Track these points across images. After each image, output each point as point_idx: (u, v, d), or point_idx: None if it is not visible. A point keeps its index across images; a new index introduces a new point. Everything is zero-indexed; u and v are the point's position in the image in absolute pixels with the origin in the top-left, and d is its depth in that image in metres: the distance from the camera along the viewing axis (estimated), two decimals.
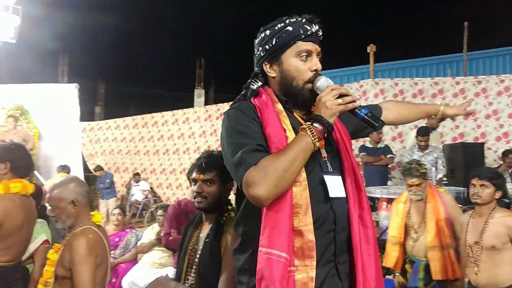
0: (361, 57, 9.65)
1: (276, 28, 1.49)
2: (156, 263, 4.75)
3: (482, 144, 6.73)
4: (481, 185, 2.87)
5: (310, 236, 1.35)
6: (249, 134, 1.40)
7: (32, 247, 3.09)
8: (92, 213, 2.46)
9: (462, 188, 5.37)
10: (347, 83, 9.51)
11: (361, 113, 1.42)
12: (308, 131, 1.35)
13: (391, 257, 3.64)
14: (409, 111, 1.94)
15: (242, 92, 1.57)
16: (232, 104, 1.56)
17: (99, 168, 10.59)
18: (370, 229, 1.49)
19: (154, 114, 11.52)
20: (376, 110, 1.75)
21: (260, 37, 1.54)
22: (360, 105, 1.43)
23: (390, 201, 5.13)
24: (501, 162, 6.61)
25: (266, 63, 1.53)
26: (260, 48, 1.53)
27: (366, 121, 1.43)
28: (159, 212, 5.00)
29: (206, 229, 2.04)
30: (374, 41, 8.34)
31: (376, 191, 5.16)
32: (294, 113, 1.52)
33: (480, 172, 2.93)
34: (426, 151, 5.97)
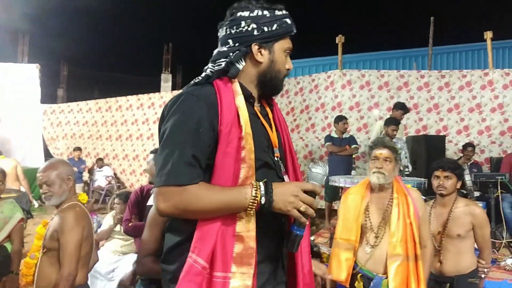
0: (329, 48, 9.69)
1: (277, 14, 1.43)
2: (118, 251, 4.65)
3: (444, 136, 6.90)
4: (445, 177, 2.91)
5: (252, 243, 1.28)
6: (194, 138, 1.27)
7: (9, 226, 3.35)
8: (80, 194, 2.68)
9: (423, 179, 5.51)
10: (315, 73, 9.54)
11: (299, 232, 1.34)
12: (253, 198, 1.26)
13: (343, 267, 2.66)
14: None
15: (217, 67, 1.41)
16: (194, 83, 1.43)
17: (78, 149, 10.43)
18: (306, 228, 1.45)
19: (118, 98, 11.25)
20: None
21: (255, 14, 1.40)
22: (304, 223, 1.33)
23: None
24: (461, 155, 6.81)
25: (257, 44, 1.41)
26: (254, 26, 1.39)
27: (294, 239, 1.35)
28: (116, 200, 4.87)
29: None
30: (343, 32, 8.39)
31: (341, 181, 5.21)
32: (255, 107, 1.47)
33: (443, 164, 2.97)
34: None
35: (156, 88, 15.60)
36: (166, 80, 16.70)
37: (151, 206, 3.18)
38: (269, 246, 1.39)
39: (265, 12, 1.41)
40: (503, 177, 4.76)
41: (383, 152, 2.67)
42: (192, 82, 1.45)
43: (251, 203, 1.25)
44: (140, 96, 10.93)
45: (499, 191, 4.74)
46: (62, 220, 2.39)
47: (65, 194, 2.52)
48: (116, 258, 4.56)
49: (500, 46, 13.11)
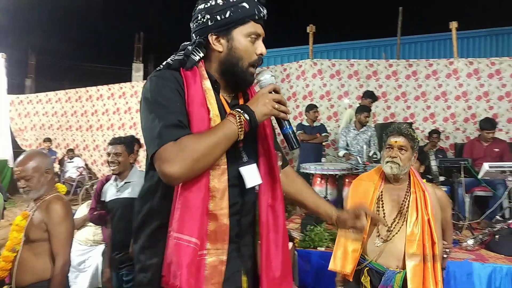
0: (300, 38, 9.75)
1: (231, 0, 1.39)
2: (90, 240, 4.63)
3: (411, 124, 7.11)
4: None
5: (225, 220, 1.33)
6: (171, 107, 1.31)
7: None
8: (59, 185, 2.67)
9: None
10: (287, 62, 9.61)
11: (287, 129, 1.43)
12: (237, 120, 1.31)
13: (350, 258, 2.46)
14: (305, 199, 1.72)
15: (177, 57, 1.43)
16: (158, 69, 1.45)
17: (48, 139, 10.21)
18: (280, 218, 1.49)
19: (89, 88, 11.05)
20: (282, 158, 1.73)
21: (209, 4, 1.41)
22: (286, 118, 1.42)
23: (323, 177, 5.32)
24: (427, 141, 7.03)
25: (213, 34, 1.41)
26: (208, 16, 1.39)
27: (287, 137, 1.43)
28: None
29: None
30: (314, 22, 8.46)
31: (311, 168, 5.33)
32: (221, 95, 1.46)
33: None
34: (362, 130, 6.22)
35: (128, 77, 15.39)
36: (137, 69, 16.47)
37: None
38: (240, 225, 1.44)
39: (219, 1, 1.40)
40: (466, 162, 4.96)
41: (398, 140, 2.43)
42: (155, 70, 1.48)
43: (239, 125, 1.30)
44: (111, 86, 10.76)
45: (462, 175, 4.93)
46: (51, 212, 2.41)
47: (44, 187, 2.50)
48: (88, 248, 4.54)
49: (464, 36, 13.48)
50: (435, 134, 6.95)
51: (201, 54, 1.43)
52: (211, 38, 1.42)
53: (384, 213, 2.44)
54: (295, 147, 1.44)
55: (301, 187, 1.74)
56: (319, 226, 4.25)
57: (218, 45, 1.42)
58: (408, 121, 7.56)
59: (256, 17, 1.42)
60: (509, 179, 4.33)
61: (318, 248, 4.09)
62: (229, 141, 1.31)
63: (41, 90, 13.03)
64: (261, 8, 1.43)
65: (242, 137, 1.32)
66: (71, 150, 10.73)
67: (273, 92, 1.38)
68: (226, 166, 1.35)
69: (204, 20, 1.41)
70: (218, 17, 1.39)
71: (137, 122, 10.13)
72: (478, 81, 7.53)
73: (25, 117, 11.86)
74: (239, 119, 1.31)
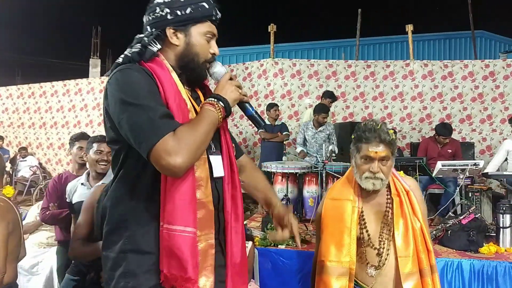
0: (262, 37, 9.78)
1: None
2: (44, 243, 4.46)
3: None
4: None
5: (211, 206, 1.39)
6: (156, 98, 1.31)
7: None
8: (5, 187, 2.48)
9: (349, 164, 5.79)
10: (249, 61, 9.62)
11: (251, 110, 1.54)
12: (216, 107, 1.38)
13: None
14: (257, 185, 1.80)
15: (134, 50, 1.41)
16: (117, 65, 1.42)
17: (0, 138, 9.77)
18: (239, 208, 1.55)
19: (43, 84, 10.64)
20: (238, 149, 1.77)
21: None
22: (248, 101, 1.54)
23: (284, 175, 5.35)
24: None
25: (171, 28, 1.43)
26: (168, 10, 1.42)
27: (253, 118, 1.55)
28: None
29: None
30: (275, 21, 8.49)
31: (272, 166, 5.34)
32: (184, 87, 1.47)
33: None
34: (320, 128, 6.30)
35: (85, 73, 14.94)
36: (94, 65, 16.02)
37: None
38: (218, 220, 1.48)
39: None
40: (421, 161, 5.12)
41: (379, 150, 1.95)
42: (113, 64, 1.45)
43: (219, 112, 1.39)
44: (66, 82, 10.40)
45: (417, 173, 5.09)
46: None
47: None
48: (41, 251, 4.38)
49: (420, 39, 13.98)
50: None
51: (159, 46, 1.45)
52: (169, 32, 1.44)
53: (368, 234, 1.99)
54: (262, 124, 1.56)
55: (254, 176, 1.81)
56: None
57: (175, 39, 1.45)
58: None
59: (213, 18, 1.48)
60: (460, 177, 4.49)
61: (279, 246, 4.10)
62: (215, 128, 1.39)
63: None
64: (217, 11, 1.50)
65: (221, 123, 1.41)
66: (24, 149, 10.29)
67: (232, 80, 1.47)
68: (206, 156, 1.40)
69: (163, 13, 1.43)
70: (178, 12, 1.42)
71: (93, 119, 9.85)
72: (432, 83, 7.82)
73: None
74: (217, 107, 1.38)
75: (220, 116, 1.39)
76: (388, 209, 1.98)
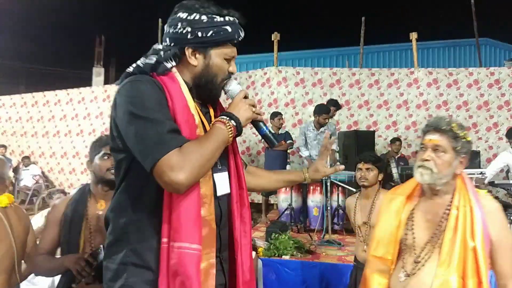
0: (265, 45, 9.76)
1: (215, 20, 1.40)
2: None
3: (373, 132, 7.21)
4: (367, 169, 3.03)
5: (213, 224, 1.36)
6: (165, 113, 1.29)
7: None
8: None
9: (354, 172, 5.72)
10: (252, 69, 9.58)
11: (265, 129, 1.55)
12: (227, 125, 1.37)
13: None
14: (268, 180, 1.86)
15: (148, 62, 1.40)
16: (127, 75, 1.41)
17: (2, 146, 9.75)
18: (247, 225, 1.53)
19: (46, 93, 10.66)
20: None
21: (192, 17, 1.39)
22: (262, 120, 1.54)
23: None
24: (389, 149, 7.15)
25: (190, 48, 1.41)
26: (189, 29, 1.38)
27: (267, 137, 1.56)
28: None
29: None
30: (279, 30, 8.48)
31: None
32: (194, 102, 1.46)
33: (365, 157, 3.09)
34: (321, 129, 6.20)
35: (88, 82, 14.97)
36: (98, 74, 16.04)
37: None
38: (220, 238, 1.44)
39: (203, 17, 1.39)
40: None
41: (433, 138, 1.80)
42: (124, 73, 1.43)
43: (230, 130, 1.37)
44: (70, 90, 10.41)
45: None
46: None
47: None
48: None
49: (424, 47, 13.94)
50: (397, 141, 7.09)
51: (174, 63, 1.43)
52: (188, 51, 1.42)
53: (414, 238, 1.82)
54: (276, 144, 1.57)
55: (266, 174, 1.89)
56: (284, 234, 4.20)
57: (194, 59, 1.43)
58: (371, 129, 7.67)
59: (235, 41, 1.46)
60: None
61: (283, 257, 4.05)
62: (223, 146, 1.37)
63: None
64: (240, 32, 1.47)
65: (230, 141, 1.40)
66: (27, 158, 10.28)
67: (246, 98, 1.47)
68: (211, 173, 1.38)
69: (184, 31, 1.39)
70: (200, 34, 1.39)
71: (96, 128, 9.83)
72: (437, 91, 7.77)
73: None
74: (228, 125, 1.37)
75: (230, 135, 1.37)
76: (443, 219, 1.78)
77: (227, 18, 1.42)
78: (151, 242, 1.32)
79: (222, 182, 1.46)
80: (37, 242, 2.29)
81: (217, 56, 1.44)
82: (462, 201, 1.76)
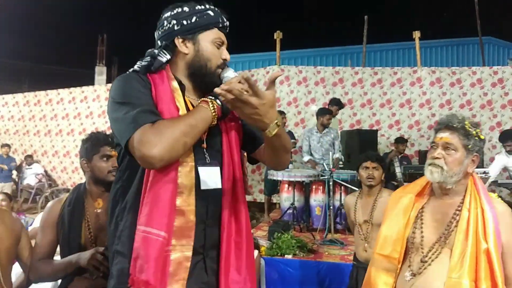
0: (268, 44, 9.75)
1: (197, 8, 1.48)
2: None
3: (376, 131, 7.19)
4: (374, 167, 3.02)
5: (192, 216, 1.35)
6: (142, 98, 1.34)
7: None
8: None
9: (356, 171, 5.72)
10: (254, 68, 9.58)
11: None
12: (210, 104, 1.37)
13: None
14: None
15: (144, 63, 1.46)
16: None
17: (6, 145, 9.78)
18: (243, 222, 1.48)
19: (49, 91, 10.68)
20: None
21: (175, 12, 1.47)
22: None
23: (290, 183, 5.28)
24: (393, 148, 7.13)
25: (179, 37, 1.46)
26: (174, 22, 1.46)
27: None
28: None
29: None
30: (281, 28, 8.46)
31: (279, 174, 5.28)
32: (186, 97, 1.47)
33: (371, 156, 3.08)
34: (324, 131, 6.19)
35: (91, 81, 14.98)
36: (100, 72, 16.05)
37: None
38: (205, 236, 1.42)
39: (185, 8, 1.47)
40: None
41: (444, 136, 1.77)
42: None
43: (213, 109, 1.37)
44: (72, 89, 10.42)
45: None
46: None
47: None
48: None
49: (427, 45, 13.89)
50: (401, 141, 7.06)
51: (168, 56, 1.47)
52: (178, 41, 1.47)
53: (422, 237, 1.78)
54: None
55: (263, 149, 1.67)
56: (286, 234, 4.20)
57: (185, 47, 1.47)
58: (373, 128, 7.65)
59: (220, 25, 1.50)
60: None
61: (286, 256, 4.05)
62: (205, 123, 1.35)
63: None
64: (224, 19, 1.52)
65: (215, 121, 1.39)
66: (30, 156, 10.30)
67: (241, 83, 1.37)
68: (193, 164, 1.37)
69: (170, 25, 1.47)
70: (184, 22, 1.46)
71: (99, 127, 9.83)
72: (440, 89, 7.74)
73: None
74: (212, 104, 1.37)
75: (214, 114, 1.37)
76: (452, 220, 1.74)
77: (206, 5, 1.50)
78: (132, 229, 1.33)
79: (210, 177, 1.42)
80: (33, 246, 2.17)
81: (205, 40, 1.47)
82: (473, 202, 1.72)
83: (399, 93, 7.90)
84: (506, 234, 1.67)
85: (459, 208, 1.74)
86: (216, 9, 1.51)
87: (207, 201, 1.42)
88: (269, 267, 3.98)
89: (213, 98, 1.39)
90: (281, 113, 6.94)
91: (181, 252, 1.32)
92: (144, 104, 1.31)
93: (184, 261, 1.32)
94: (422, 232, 1.79)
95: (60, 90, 10.55)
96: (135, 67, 1.47)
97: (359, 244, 3.05)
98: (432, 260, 1.73)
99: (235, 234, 1.45)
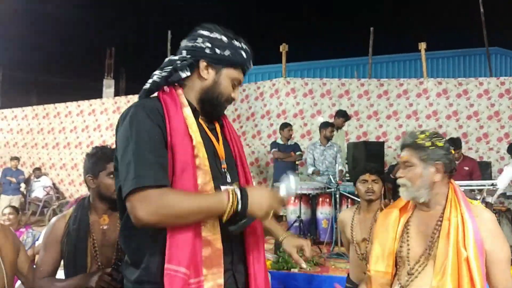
0: (274, 56, 9.81)
1: (233, 43, 1.49)
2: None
3: (383, 142, 7.17)
4: (373, 180, 2.81)
5: (218, 244, 1.36)
6: (155, 144, 1.33)
7: None
8: None
9: None
10: (261, 80, 9.62)
11: (247, 222, 1.40)
12: (230, 205, 1.32)
13: None
14: None
15: (164, 74, 1.47)
16: (144, 91, 1.50)
17: (15, 158, 9.86)
18: (260, 237, 1.54)
19: (57, 105, 10.79)
20: None
21: (213, 36, 1.48)
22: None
23: (297, 196, 5.26)
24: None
25: (205, 61, 1.47)
26: (209, 45, 1.46)
27: (240, 221, 1.39)
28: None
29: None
30: (287, 41, 8.51)
31: None
32: (200, 119, 1.50)
33: (371, 168, 2.87)
34: (328, 145, 6.24)
35: (99, 93, 15.09)
36: (108, 85, 16.14)
37: None
38: (232, 251, 1.45)
39: (223, 38, 1.48)
40: None
41: (402, 155, 1.86)
42: (143, 88, 1.50)
43: (229, 210, 1.32)
44: (80, 102, 10.53)
45: None
46: None
47: None
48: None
49: (433, 56, 13.88)
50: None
51: (188, 73, 1.48)
52: (202, 64, 1.48)
53: (408, 250, 1.80)
54: (232, 230, 1.39)
55: None
56: None
57: (206, 73, 1.48)
58: (380, 140, 7.63)
59: (245, 68, 1.55)
60: (477, 197, 4.37)
61: (292, 270, 4.02)
62: (210, 214, 1.34)
63: (7, 105, 12.63)
64: (251, 63, 1.56)
65: (224, 219, 1.34)
66: (38, 169, 10.37)
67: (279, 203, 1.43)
68: (214, 191, 1.39)
69: (203, 46, 1.47)
70: (217, 50, 1.47)
71: (106, 140, 9.91)
72: (447, 101, 7.72)
73: None
74: (231, 206, 1.32)
75: (227, 214, 1.33)
76: (435, 231, 1.76)
77: (242, 44, 1.52)
78: (159, 260, 1.33)
79: None
80: (36, 261, 2.19)
81: (227, 76, 1.50)
82: (453, 212, 1.74)
83: (406, 105, 7.89)
84: (489, 241, 1.68)
85: (441, 219, 1.76)
86: (249, 50, 1.54)
87: (230, 220, 1.43)
88: (276, 280, 3.96)
89: (239, 199, 1.34)
90: (287, 125, 6.96)
91: (213, 281, 1.33)
92: (152, 154, 1.30)
93: None
94: (408, 245, 1.81)
95: (69, 103, 10.66)
96: (155, 78, 1.47)
97: (357, 264, 2.79)
98: (419, 273, 1.75)
99: (255, 249, 1.50)
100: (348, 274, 2.95)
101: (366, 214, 2.83)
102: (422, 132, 1.84)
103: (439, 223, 1.76)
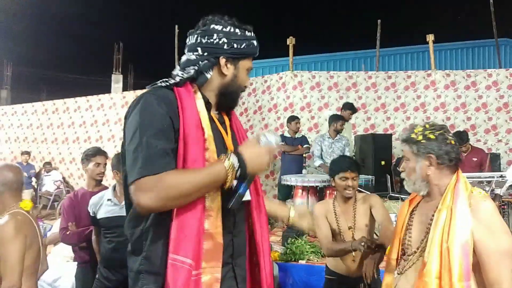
0: (281, 50, 9.79)
1: (246, 34, 1.52)
2: (67, 256, 4.48)
3: (390, 135, 7.15)
4: (353, 178, 2.83)
5: (219, 239, 1.38)
6: (162, 133, 1.33)
7: None
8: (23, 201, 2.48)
9: (370, 176, 5.71)
10: (268, 74, 9.62)
11: (243, 189, 1.42)
12: (230, 170, 1.34)
13: None
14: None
15: (187, 75, 1.48)
16: (154, 85, 1.47)
17: (26, 152, 9.98)
18: (265, 230, 1.58)
19: (66, 100, 10.88)
20: None
21: (227, 29, 1.49)
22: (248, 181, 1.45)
23: (304, 188, 5.29)
24: None
25: (225, 58, 1.50)
26: (225, 40, 1.48)
27: (235, 195, 1.41)
28: None
29: None
30: (294, 34, 8.50)
31: (292, 179, 5.30)
32: (211, 113, 1.52)
33: (350, 165, 2.88)
34: (336, 138, 6.25)
35: (107, 88, 15.20)
36: (116, 80, 16.26)
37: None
38: (233, 245, 1.48)
39: (237, 30, 1.50)
40: None
41: (403, 149, 1.95)
42: (158, 83, 1.48)
43: (228, 178, 1.34)
44: (89, 97, 10.61)
45: None
46: (0, 232, 2.21)
47: None
48: (64, 265, 4.40)
49: (441, 48, 13.77)
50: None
51: (212, 73, 1.51)
52: (222, 61, 1.50)
53: (410, 238, 1.89)
54: (229, 205, 1.41)
55: None
56: (300, 239, 4.21)
57: (226, 69, 1.51)
58: (388, 132, 7.62)
59: (255, 55, 1.59)
60: (485, 189, 4.36)
61: (300, 261, 4.04)
62: (213, 185, 1.34)
63: (17, 101, 12.78)
64: (258, 49, 1.59)
65: (226, 186, 1.36)
66: (49, 163, 10.49)
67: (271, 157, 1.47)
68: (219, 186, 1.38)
69: (220, 42, 1.48)
70: (235, 45, 1.49)
71: (115, 134, 9.98)
72: (455, 93, 7.67)
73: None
74: (231, 170, 1.34)
75: (228, 180, 1.35)
76: (430, 221, 1.80)
77: (252, 33, 1.56)
78: (161, 250, 1.35)
79: None
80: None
81: (243, 67, 1.55)
82: (446, 202, 1.75)
83: (413, 97, 7.86)
84: (480, 231, 1.64)
85: (436, 209, 1.79)
86: (255, 36, 1.57)
87: (234, 215, 1.48)
88: (283, 272, 3.99)
89: (236, 163, 1.35)
90: (295, 118, 6.97)
91: (211, 274, 1.35)
92: (161, 142, 1.31)
93: (214, 282, 1.35)
94: (410, 233, 1.89)
95: (78, 98, 10.75)
96: (178, 78, 1.47)
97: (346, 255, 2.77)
98: (417, 260, 1.81)
99: (264, 242, 1.54)
100: (326, 264, 3.00)
101: (345, 204, 2.88)
102: (413, 128, 1.91)
103: (434, 213, 1.79)
